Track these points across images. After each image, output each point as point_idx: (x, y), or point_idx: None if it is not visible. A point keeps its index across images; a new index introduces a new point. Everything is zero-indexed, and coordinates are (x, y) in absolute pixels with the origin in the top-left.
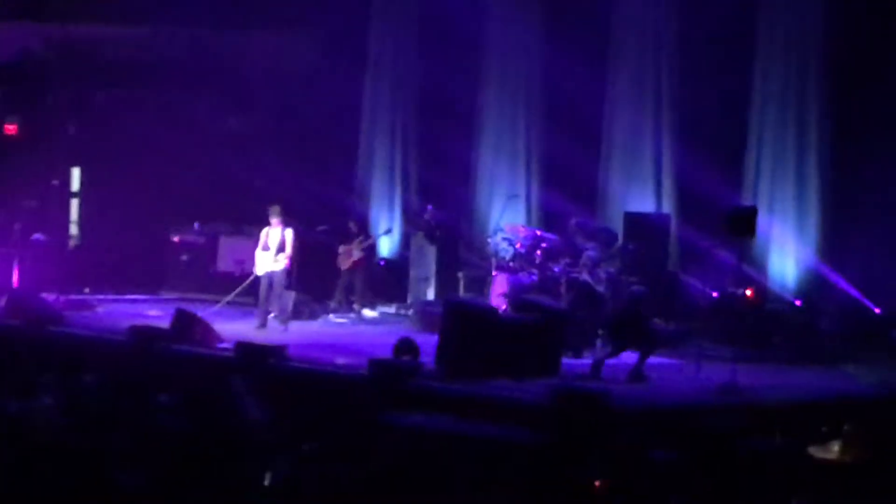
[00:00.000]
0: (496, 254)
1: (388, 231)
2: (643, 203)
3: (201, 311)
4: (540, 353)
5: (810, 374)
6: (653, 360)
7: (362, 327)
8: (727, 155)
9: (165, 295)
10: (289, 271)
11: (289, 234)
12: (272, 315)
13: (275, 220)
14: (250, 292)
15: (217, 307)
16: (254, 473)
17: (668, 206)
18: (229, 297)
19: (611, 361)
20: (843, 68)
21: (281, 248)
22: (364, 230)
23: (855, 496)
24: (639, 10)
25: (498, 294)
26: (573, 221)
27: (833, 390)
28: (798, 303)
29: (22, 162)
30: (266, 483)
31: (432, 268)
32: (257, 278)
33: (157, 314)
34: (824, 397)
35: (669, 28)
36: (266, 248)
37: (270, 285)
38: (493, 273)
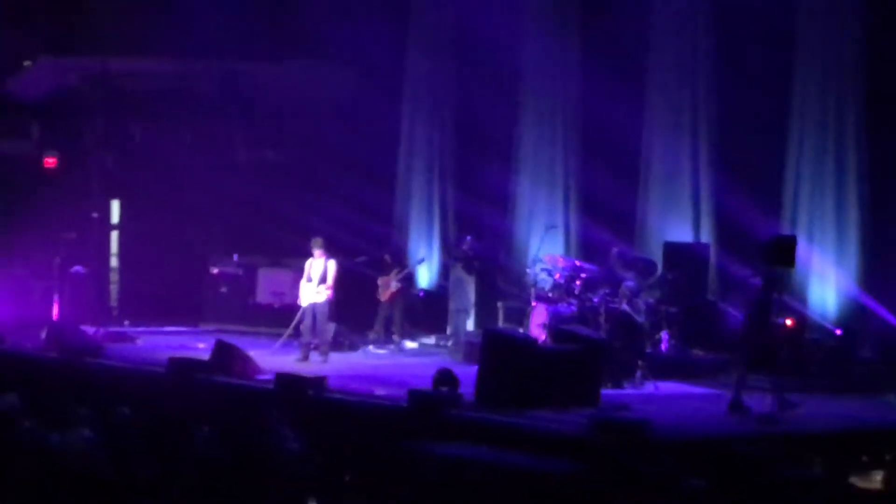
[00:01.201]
0: (535, 284)
1: (422, 260)
2: (682, 233)
3: (270, 345)
4: (579, 383)
5: (851, 403)
6: (691, 389)
7: (402, 358)
8: (766, 184)
9: (204, 327)
10: (331, 302)
11: (331, 265)
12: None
13: (318, 252)
14: (297, 325)
15: (280, 342)
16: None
17: (706, 236)
18: (289, 331)
19: (648, 392)
20: (881, 96)
21: (323, 280)
22: (399, 261)
23: None
24: (675, 41)
25: (537, 325)
26: (614, 251)
27: (874, 420)
28: (838, 332)
29: (61, 195)
30: None
31: (471, 299)
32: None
33: (204, 346)
34: (865, 427)
35: (706, 59)
36: (309, 280)
37: (314, 316)
38: (532, 304)
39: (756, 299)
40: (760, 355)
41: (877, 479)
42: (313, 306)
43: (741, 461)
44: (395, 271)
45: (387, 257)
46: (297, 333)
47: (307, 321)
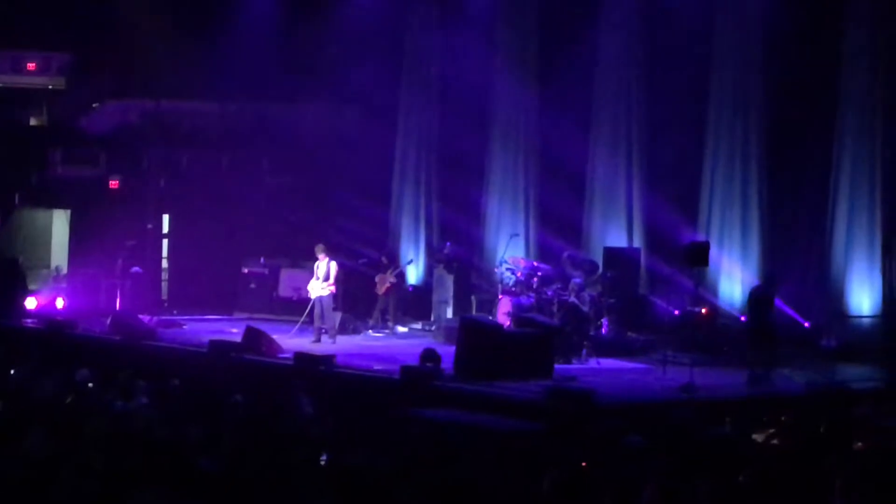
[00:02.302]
0: (501, 281)
1: (411, 261)
2: (618, 239)
3: (289, 330)
4: (536, 359)
5: None
6: (626, 364)
7: (395, 340)
8: (685, 200)
9: (237, 315)
10: (335, 295)
11: (333, 265)
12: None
13: (321, 255)
14: (309, 313)
15: (297, 327)
16: (307, 458)
17: (638, 242)
18: (303, 318)
19: (592, 367)
20: (779, 129)
21: (326, 278)
22: (394, 262)
23: (789, 473)
24: (614, 84)
25: (503, 313)
26: (565, 254)
27: (772, 388)
28: (743, 318)
29: (123, 210)
30: (318, 466)
31: (450, 292)
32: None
33: (237, 331)
34: (765, 394)
35: (638, 99)
36: (317, 278)
37: (321, 306)
38: (499, 296)
39: (757, 297)
40: (764, 340)
41: (774, 436)
42: (319, 299)
43: (668, 421)
44: (389, 270)
45: (383, 259)
46: (310, 320)
47: (317, 311)
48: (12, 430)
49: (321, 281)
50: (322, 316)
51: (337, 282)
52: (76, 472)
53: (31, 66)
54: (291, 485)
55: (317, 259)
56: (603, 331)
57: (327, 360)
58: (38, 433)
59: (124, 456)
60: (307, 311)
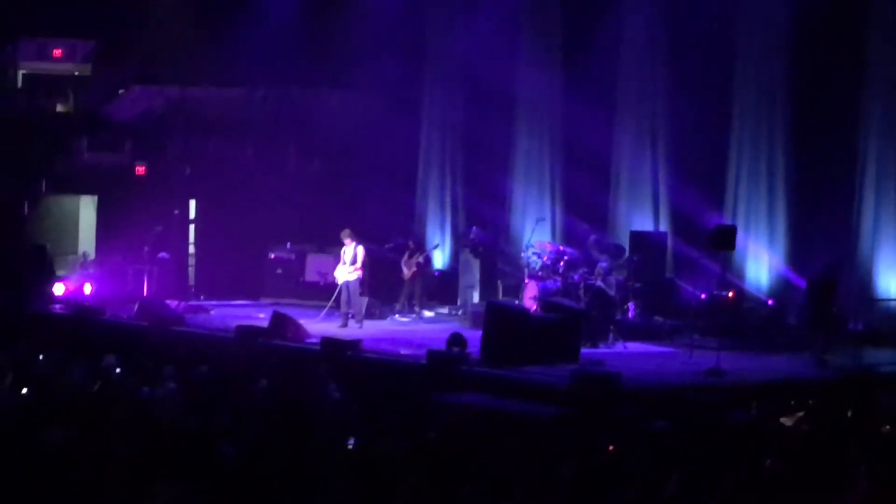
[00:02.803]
0: (528, 265)
1: (437, 246)
2: (644, 223)
3: (316, 315)
4: (563, 344)
5: (780, 359)
6: (653, 348)
7: (422, 325)
8: (711, 183)
9: (264, 301)
10: (361, 280)
11: (360, 250)
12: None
13: (347, 241)
14: (336, 298)
15: (324, 312)
16: (333, 443)
17: (664, 226)
18: (331, 303)
19: (618, 351)
20: (804, 112)
21: (353, 262)
22: (421, 247)
23: (817, 457)
24: (639, 68)
25: (529, 297)
26: (591, 238)
27: (798, 373)
28: (770, 302)
29: (149, 196)
30: (343, 451)
31: (477, 277)
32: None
33: (263, 316)
34: (792, 378)
35: (663, 84)
36: (343, 263)
37: (348, 291)
38: (526, 281)
39: (819, 286)
40: (830, 326)
41: (802, 420)
42: (346, 283)
43: (695, 406)
44: (416, 255)
45: (410, 244)
46: (337, 305)
47: (344, 296)
48: (39, 418)
49: (348, 265)
50: (349, 301)
51: (364, 266)
52: (99, 464)
53: (56, 52)
54: (316, 470)
55: (343, 245)
56: (629, 315)
57: (354, 344)
58: (57, 429)
59: (149, 445)
60: (334, 296)
